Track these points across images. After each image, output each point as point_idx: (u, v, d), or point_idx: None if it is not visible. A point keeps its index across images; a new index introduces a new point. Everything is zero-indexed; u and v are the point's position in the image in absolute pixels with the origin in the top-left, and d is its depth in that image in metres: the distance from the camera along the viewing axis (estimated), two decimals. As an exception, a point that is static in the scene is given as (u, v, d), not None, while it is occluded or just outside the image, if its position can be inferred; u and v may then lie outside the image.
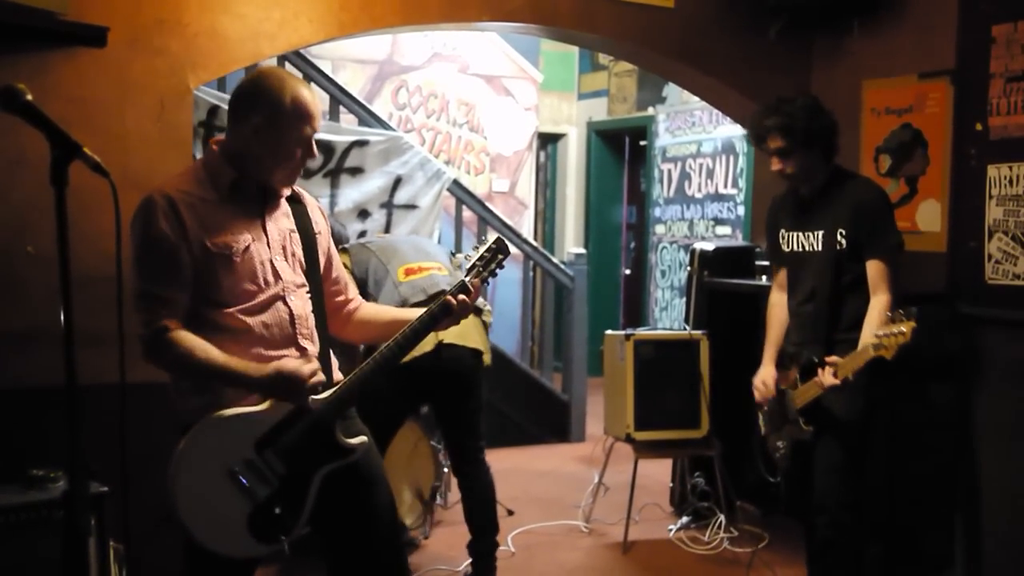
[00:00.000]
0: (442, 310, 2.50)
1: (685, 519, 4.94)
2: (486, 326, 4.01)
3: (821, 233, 3.34)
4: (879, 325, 3.04)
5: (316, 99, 2.41)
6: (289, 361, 2.32)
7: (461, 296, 2.51)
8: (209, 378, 2.29)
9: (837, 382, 3.14)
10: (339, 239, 3.86)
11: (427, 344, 3.61)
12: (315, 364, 2.34)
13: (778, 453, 3.52)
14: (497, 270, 2.64)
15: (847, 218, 3.27)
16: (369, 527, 2.54)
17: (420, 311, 2.54)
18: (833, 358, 3.18)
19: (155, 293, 2.26)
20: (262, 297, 2.36)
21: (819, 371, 3.20)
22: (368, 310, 2.74)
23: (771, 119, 3.34)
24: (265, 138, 2.34)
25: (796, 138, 3.29)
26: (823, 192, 3.37)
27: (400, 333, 2.49)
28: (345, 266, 4.00)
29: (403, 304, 3.71)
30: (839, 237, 3.28)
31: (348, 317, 2.68)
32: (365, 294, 3.90)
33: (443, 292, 2.62)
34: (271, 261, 2.39)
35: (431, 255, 4.04)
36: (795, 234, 3.45)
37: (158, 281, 2.27)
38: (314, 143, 2.41)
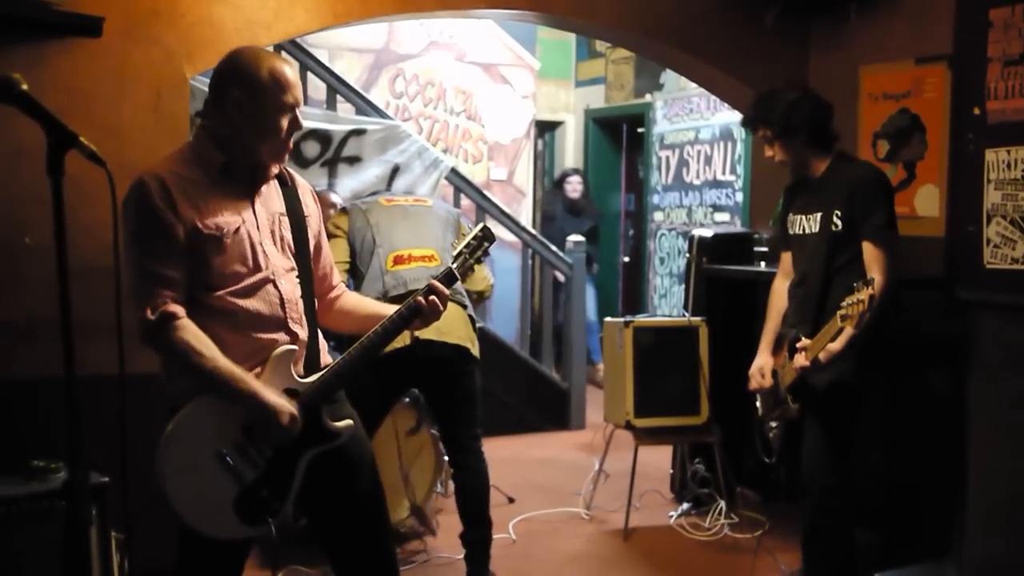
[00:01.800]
0: (411, 312, 2.52)
1: (685, 505, 4.95)
2: (473, 320, 3.96)
3: (819, 215, 3.37)
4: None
5: (295, 71, 2.41)
6: (277, 401, 2.32)
7: (432, 297, 2.51)
8: (204, 378, 2.28)
9: (807, 363, 3.21)
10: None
11: (404, 338, 3.60)
12: (295, 415, 2.34)
13: (771, 434, 3.56)
14: (483, 257, 2.68)
15: (842, 199, 3.30)
16: (355, 510, 2.57)
17: (393, 309, 2.56)
18: (804, 341, 3.24)
19: (156, 271, 2.26)
20: (251, 280, 2.36)
21: (796, 355, 3.27)
22: (348, 300, 2.74)
23: (752, 109, 3.47)
24: (248, 112, 2.34)
25: (773, 130, 3.38)
26: (826, 176, 3.40)
27: (372, 331, 2.50)
28: (339, 228, 3.92)
29: (384, 295, 3.68)
30: (835, 218, 3.31)
31: (330, 304, 2.68)
32: (352, 258, 3.86)
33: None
34: (260, 244, 2.39)
35: (426, 239, 3.92)
36: (799, 217, 3.49)
37: (158, 258, 2.27)
38: (299, 115, 2.40)
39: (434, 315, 2.54)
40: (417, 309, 2.51)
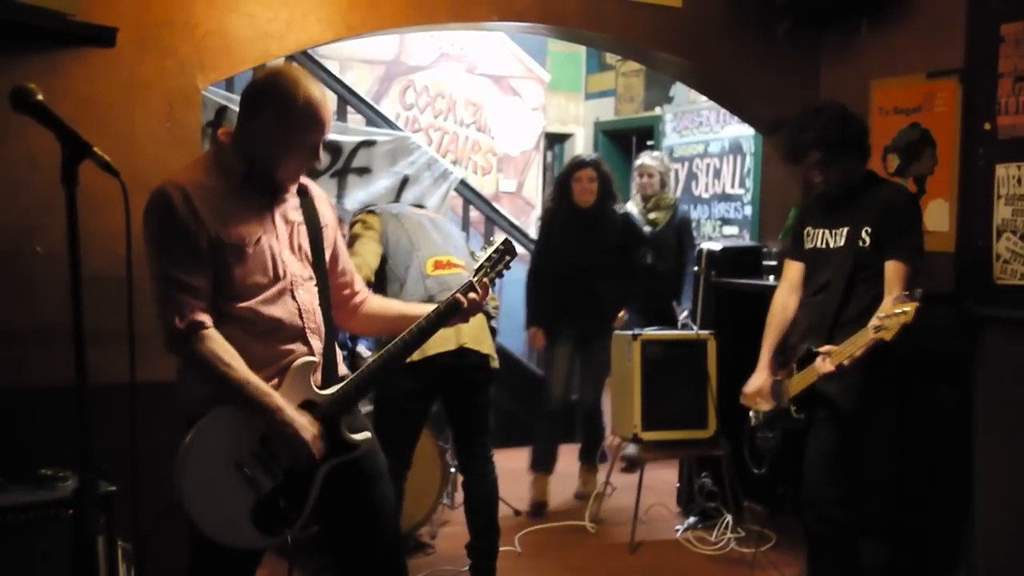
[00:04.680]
0: (450, 308, 2.54)
1: (692, 519, 4.94)
2: (493, 331, 3.99)
3: (846, 230, 3.38)
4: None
5: (328, 105, 2.41)
6: (300, 420, 2.33)
7: (471, 295, 2.53)
8: (225, 388, 2.29)
9: (831, 368, 3.20)
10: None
11: (449, 343, 3.63)
12: (316, 435, 2.36)
13: (767, 444, 3.56)
14: (504, 271, 2.69)
15: (874, 217, 3.31)
16: (370, 522, 2.57)
17: (425, 307, 2.59)
18: (827, 347, 3.22)
19: (182, 279, 2.27)
20: (272, 290, 2.38)
21: (817, 360, 3.26)
22: (375, 303, 2.75)
23: (806, 134, 3.40)
24: (273, 135, 2.35)
25: (833, 150, 3.34)
26: (855, 193, 3.40)
27: (407, 331, 2.52)
28: (371, 227, 3.89)
29: (429, 299, 3.68)
30: (864, 235, 3.32)
31: (355, 310, 2.69)
32: (382, 268, 3.84)
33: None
34: (280, 254, 2.40)
35: (459, 250, 3.96)
36: (821, 231, 3.49)
37: (182, 266, 2.27)
38: (320, 149, 2.42)
39: (473, 311, 2.57)
40: (457, 305, 2.54)
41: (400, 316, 2.62)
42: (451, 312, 2.54)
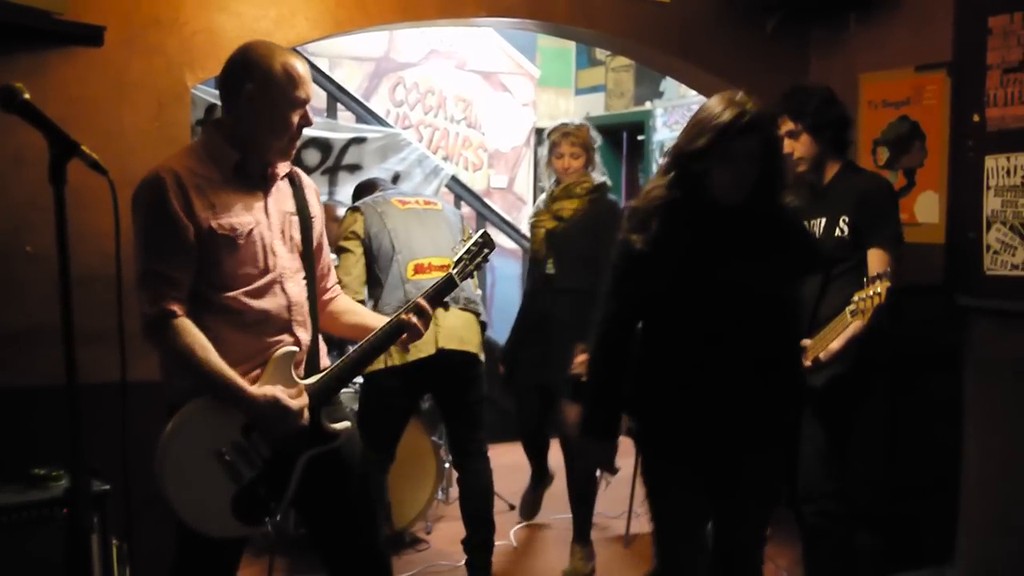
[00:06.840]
0: (395, 330, 2.56)
1: (686, 513, 4.94)
2: (484, 325, 3.98)
3: (824, 220, 3.38)
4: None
5: (306, 67, 2.41)
6: (283, 393, 2.33)
7: (412, 319, 2.55)
8: (202, 379, 2.29)
9: (808, 364, 3.18)
10: None
11: (428, 346, 3.64)
12: (304, 402, 2.37)
13: None
14: (483, 263, 2.75)
15: (851, 206, 3.32)
16: (347, 512, 2.59)
17: (380, 320, 2.62)
18: (804, 341, 3.21)
19: (162, 272, 2.27)
20: (261, 281, 2.38)
21: None
22: (340, 304, 2.75)
23: (783, 102, 3.45)
24: (259, 106, 2.34)
25: (805, 122, 3.37)
26: (833, 182, 3.41)
27: (362, 344, 2.55)
28: (354, 235, 3.78)
29: (407, 302, 3.68)
30: (841, 224, 3.33)
31: (323, 306, 2.71)
32: (370, 263, 3.78)
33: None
34: (271, 245, 2.40)
35: (442, 247, 3.80)
36: None
37: (165, 259, 2.27)
38: (309, 111, 2.42)
39: (415, 335, 2.57)
40: (400, 327, 2.55)
41: (358, 326, 2.66)
42: (397, 333, 2.56)
